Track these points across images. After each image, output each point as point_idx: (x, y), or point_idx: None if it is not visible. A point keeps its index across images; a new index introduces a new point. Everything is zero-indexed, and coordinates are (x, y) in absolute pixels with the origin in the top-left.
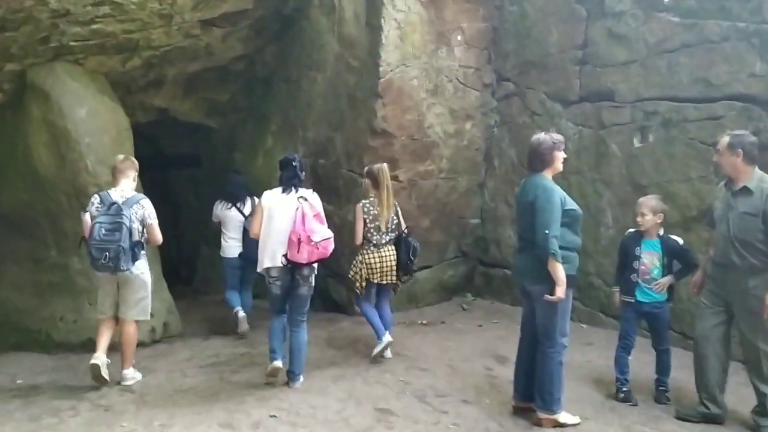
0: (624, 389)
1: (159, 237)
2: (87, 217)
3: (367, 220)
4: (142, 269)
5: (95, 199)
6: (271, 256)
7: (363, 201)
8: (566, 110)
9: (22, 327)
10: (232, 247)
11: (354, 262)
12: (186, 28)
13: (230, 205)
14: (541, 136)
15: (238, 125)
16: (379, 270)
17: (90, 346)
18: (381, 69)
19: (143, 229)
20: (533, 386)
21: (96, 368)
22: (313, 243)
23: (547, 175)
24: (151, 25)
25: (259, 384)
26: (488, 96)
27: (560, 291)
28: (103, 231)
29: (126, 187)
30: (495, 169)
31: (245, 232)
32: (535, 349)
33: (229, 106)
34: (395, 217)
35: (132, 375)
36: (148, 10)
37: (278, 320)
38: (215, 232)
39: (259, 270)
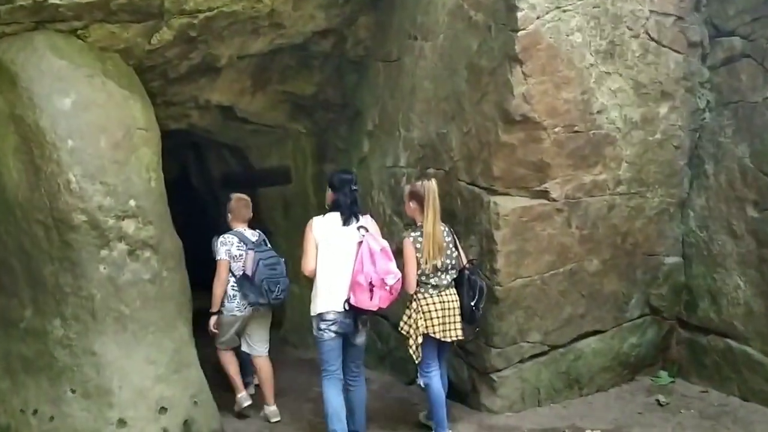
0: None
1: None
2: (252, 254)
3: (421, 260)
4: None
5: (232, 238)
6: (326, 300)
7: (412, 233)
8: None
9: None
10: None
11: (406, 311)
12: None
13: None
14: None
15: (329, 127)
16: (440, 320)
17: None
18: (520, 17)
19: None
20: None
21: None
22: (387, 287)
23: None
24: None
25: None
26: (697, 61)
27: None
28: (266, 266)
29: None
30: (708, 179)
31: None
32: None
33: (317, 102)
34: (454, 249)
35: (277, 411)
36: None
37: (336, 389)
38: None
39: (312, 314)
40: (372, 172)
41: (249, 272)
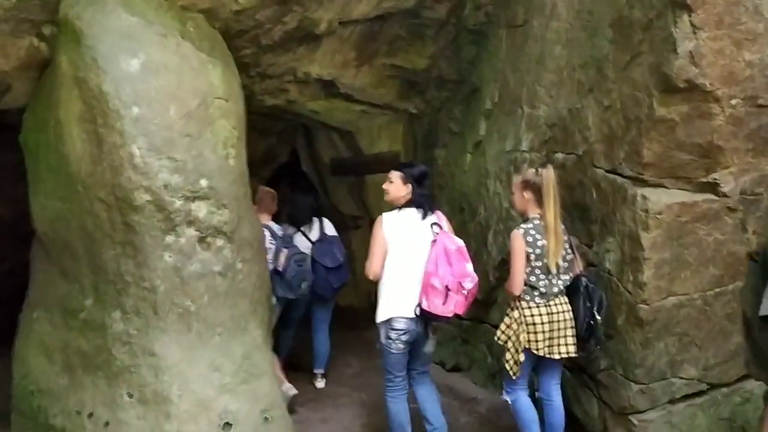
0: None
1: None
2: (286, 251)
3: (532, 256)
4: None
5: (265, 231)
6: (397, 305)
7: (522, 226)
8: None
9: (42, 420)
10: None
11: (506, 319)
12: None
13: (295, 229)
14: None
15: (442, 108)
16: (547, 334)
17: None
18: None
19: None
20: None
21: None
22: (464, 291)
23: None
24: None
25: None
26: None
27: None
28: (295, 261)
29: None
30: None
31: (313, 261)
32: None
33: (429, 78)
34: (569, 251)
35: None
36: None
37: (403, 401)
38: None
39: (379, 320)
40: (488, 159)
41: (281, 268)
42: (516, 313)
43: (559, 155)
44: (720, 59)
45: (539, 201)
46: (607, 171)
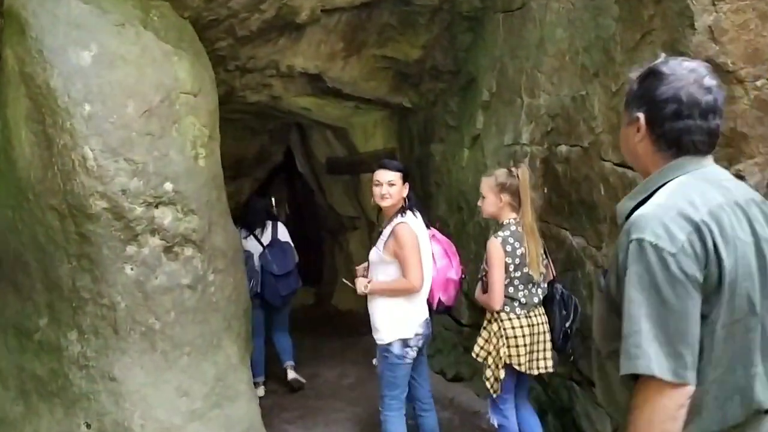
0: None
1: None
2: None
3: (511, 266)
4: None
5: None
6: (417, 311)
7: (500, 234)
8: None
9: None
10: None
11: (484, 333)
12: None
13: (247, 233)
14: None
15: (437, 101)
16: (528, 348)
17: None
18: None
19: None
20: None
21: None
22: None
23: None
24: None
25: None
26: None
27: None
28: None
29: None
30: None
31: (261, 267)
32: None
33: (423, 69)
34: (544, 257)
35: None
36: None
37: (403, 419)
38: None
39: (392, 338)
40: (486, 154)
41: None
42: (495, 327)
43: (563, 148)
44: (743, 34)
45: (516, 204)
46: (616, 164)
